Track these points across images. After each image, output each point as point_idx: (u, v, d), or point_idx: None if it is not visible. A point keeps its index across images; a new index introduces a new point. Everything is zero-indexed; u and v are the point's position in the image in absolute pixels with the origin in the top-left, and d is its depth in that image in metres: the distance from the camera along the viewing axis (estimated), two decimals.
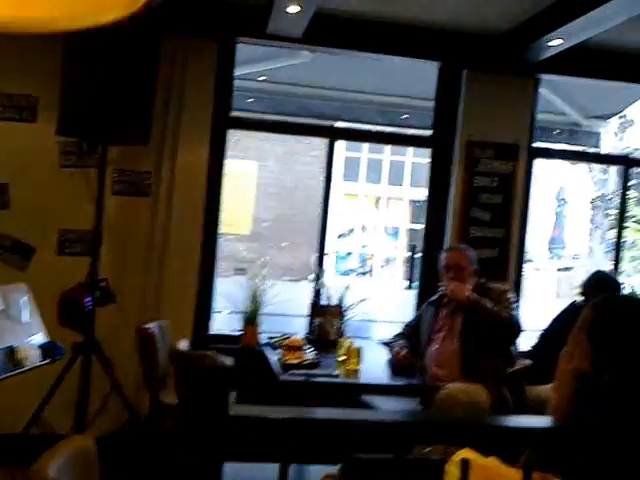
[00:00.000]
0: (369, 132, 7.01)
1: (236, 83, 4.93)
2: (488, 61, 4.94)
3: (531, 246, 20.85)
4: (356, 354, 3.85)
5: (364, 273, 18.18)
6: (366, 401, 3.80)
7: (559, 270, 18.36)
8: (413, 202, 18.23)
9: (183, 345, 3.87)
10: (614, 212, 12.68)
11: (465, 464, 1.55)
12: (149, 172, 4.62)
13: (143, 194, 4.62)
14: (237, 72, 4.96)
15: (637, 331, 1.90)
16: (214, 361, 3.31)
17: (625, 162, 5.77)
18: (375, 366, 4.03)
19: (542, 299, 12.69)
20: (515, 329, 3.72)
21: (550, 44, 4.47)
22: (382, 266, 19.65)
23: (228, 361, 3.42)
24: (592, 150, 8.80)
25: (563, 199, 21.81)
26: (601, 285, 4.41)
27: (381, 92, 6.66)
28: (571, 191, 21.11)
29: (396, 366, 3.97)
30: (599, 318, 1.96)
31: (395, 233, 19.87)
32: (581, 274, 16.15)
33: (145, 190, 4.62)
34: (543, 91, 5.69)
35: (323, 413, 2.01)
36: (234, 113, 4.91)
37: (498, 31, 4.70)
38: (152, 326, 3.95)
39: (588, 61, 5.02)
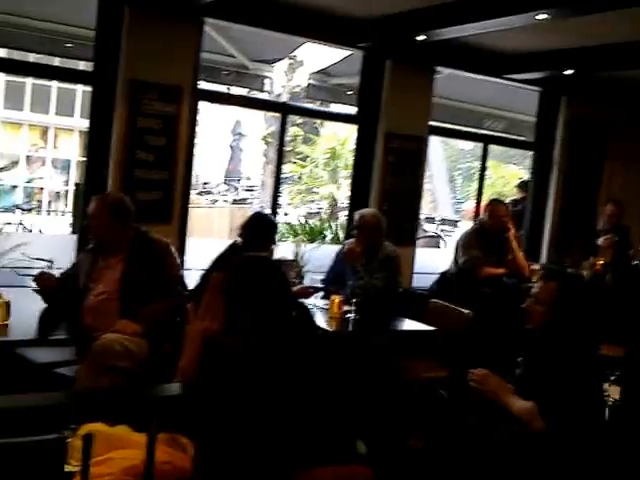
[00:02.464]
0: (24, 64, 6.43)
1: None
2: None
3: (209, 178, 21.35)
4: (4, 308, 3.61)
5: (30, 209, 16.97)
6: (21, 354, 3.61)
7: (235, 202, 19.09)
8: (85, 134, 17.37)
9: None
10: (284, 148, 13.62)
11: (88, 437, 1.56)
12: None
13: None
14: None
15: (269, 295, 2.04)
16: None
17: (283, 110, 6.16)
18: (29, 318, 3.82)
19: (216, 233, 13.11)
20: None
21: None
22: (50, 201, 18.52)
23: None
24: (259, 92, 9.21)
25: (240, 133, 22.60)
26: (258, 227, 4.66)
27: (41, 17, 6.09)
28: (247, 125, 21.95)
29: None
30: (235, 280, 2.06)
31: (66, 166, 18.75)
32: (255, 206, 17.07)
33: None
34: (212, 33, 5.76)
35: None
36: None
37: None
38: None
39: (248, 8, 5.20)
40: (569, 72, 6.29)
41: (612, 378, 3.18)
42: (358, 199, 6.13)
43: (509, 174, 17.27)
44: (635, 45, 5.45)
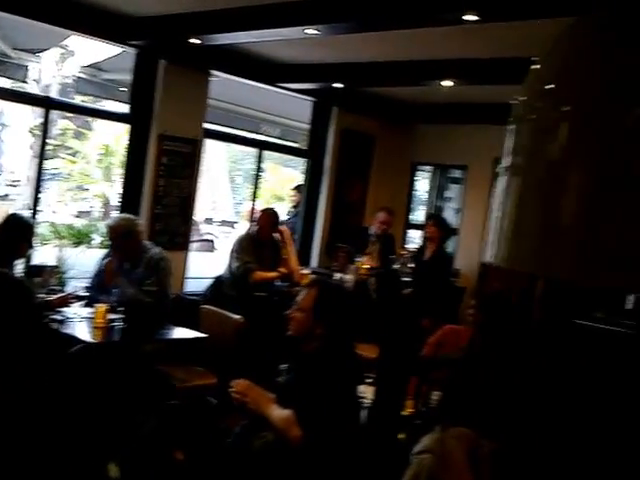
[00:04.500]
0: None
1: None
2: None
3: None
4: None
5: None
6: None
7: None
8: None
9: None
10: (53, 142, 12.71)
11: None
12: None
13: None
14: None
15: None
16: None
17: (46, 104, 5.74)
18: None
19: None
20: None
21: None
22: None
23: None
24: (23, 83, 8.56)
25: (2, 123, 20.83)
26: (11, 229, 4.30)
27: None
28: (11, 116, 20.28)
29: None
30: None
31: None
32: (18, 203, 15.80)
33: None
34: None
35: None
36: None
37: None
38: None
39: None
40: (339, 85, 6.60)
41: (368, 380, 3.37)
42: (130, 201, 5.90)
43: (286, 177, 17.79)
44: (395, 64, 5.87)
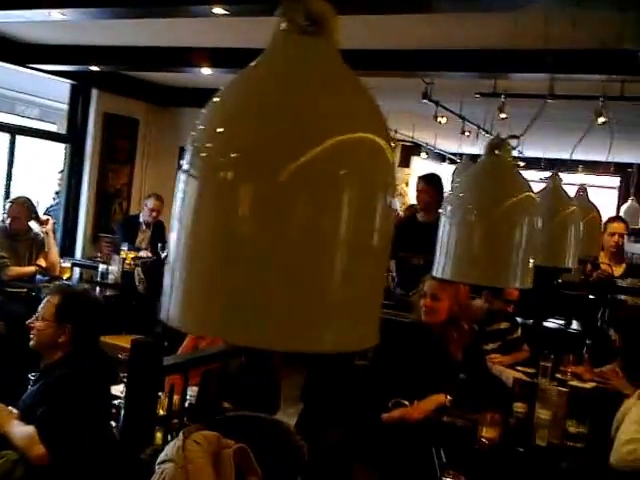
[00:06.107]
0: None
1: None
2: None
3: None
4: None
5: None
6: None
7: None
8: None
9: None
10: None
11: None
12: None
13: None
14: None
15: None
16: None
17: None
18: None
19: None
20: None
21: None
22: None
23: None
24: None
25: None
26: None
27: None
28: None
29: None
30: None
31: None
32: None
33: None
34: None
35: None
36: None
37: None
38: None
39: None
40: (95, 68, 6.33)
41: (125, 380, 3.31)
42: None
43: (53, 157, 16.71)
44: (155, 50, 5.76)
